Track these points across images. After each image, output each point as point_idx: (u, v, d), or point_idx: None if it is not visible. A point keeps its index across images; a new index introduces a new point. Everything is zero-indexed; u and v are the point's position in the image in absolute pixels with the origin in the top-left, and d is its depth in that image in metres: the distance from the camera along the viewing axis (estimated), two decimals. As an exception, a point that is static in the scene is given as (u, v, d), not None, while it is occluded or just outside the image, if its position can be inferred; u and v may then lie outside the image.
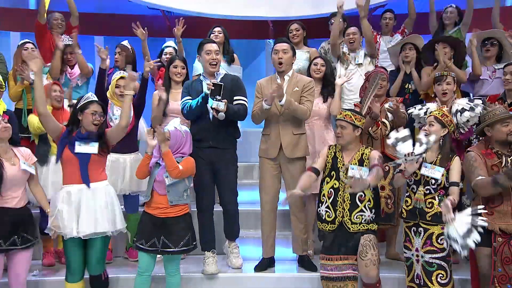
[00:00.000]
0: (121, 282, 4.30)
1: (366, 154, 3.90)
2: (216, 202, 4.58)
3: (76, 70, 5.43)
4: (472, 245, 3.54)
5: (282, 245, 4.66)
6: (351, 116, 3.91)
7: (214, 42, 4.43)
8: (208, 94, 4.11)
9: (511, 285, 3.66)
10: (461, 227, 3.54)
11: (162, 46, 5.63)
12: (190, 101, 4.27)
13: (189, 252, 4.11)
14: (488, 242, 3.71)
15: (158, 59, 5.47)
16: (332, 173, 3.94)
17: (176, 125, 3.98)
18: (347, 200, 3.86)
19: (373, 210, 3.88)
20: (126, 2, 7.43)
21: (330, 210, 3.91)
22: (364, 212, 3.83)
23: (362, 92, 5.11)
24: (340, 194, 3.88)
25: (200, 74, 4.58)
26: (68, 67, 5.44)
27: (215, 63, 4.30)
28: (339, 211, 3.87)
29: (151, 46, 5.76)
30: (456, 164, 3.77)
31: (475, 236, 3.52)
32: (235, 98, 4.29)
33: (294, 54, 4.45)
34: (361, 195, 3.84)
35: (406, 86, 5.35)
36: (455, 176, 3.75)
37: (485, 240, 3.66)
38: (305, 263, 4.50)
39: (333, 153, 3.99)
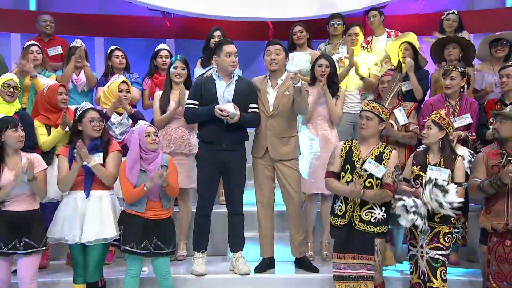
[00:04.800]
0: (122, 283, 4.28)
1: (386, 153, 3.83)
2: (222, 203, 4.55)
3: (82, 76, 5.35)
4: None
5: (283, 246, 4.63)
6: (378, 108, 3.86)
7: (232, 43, 4.35)
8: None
9: (507, 283, 3.68)
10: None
11: (155, 49, 5.52)
12: (196, 107, 4.26)
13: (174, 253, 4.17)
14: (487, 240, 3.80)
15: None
16: (346, 167, 3.89)
17: (144, 123, 3.98)
18: None
19: (383, 209, 3.80)
20: (126, 4, 7.42)
21: (342, 204, 3.87)
22: (374, 209, 3.78)
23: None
24: None
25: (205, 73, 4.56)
26: (74, 73, 5.32)
27: (235, 65, 4.31)
28: (350, 205, 3.83)
29: (151, 47, 5.76)
30: (459, 164, 3.79)
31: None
32: (250, 106, 4.29)
33: (286, 55, 4.44)
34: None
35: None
36: (458, 177, 3.76)
37: (485, 238, 3.82)
38: (304, 264, 4.47)
39: (347, 147, 3.94)
